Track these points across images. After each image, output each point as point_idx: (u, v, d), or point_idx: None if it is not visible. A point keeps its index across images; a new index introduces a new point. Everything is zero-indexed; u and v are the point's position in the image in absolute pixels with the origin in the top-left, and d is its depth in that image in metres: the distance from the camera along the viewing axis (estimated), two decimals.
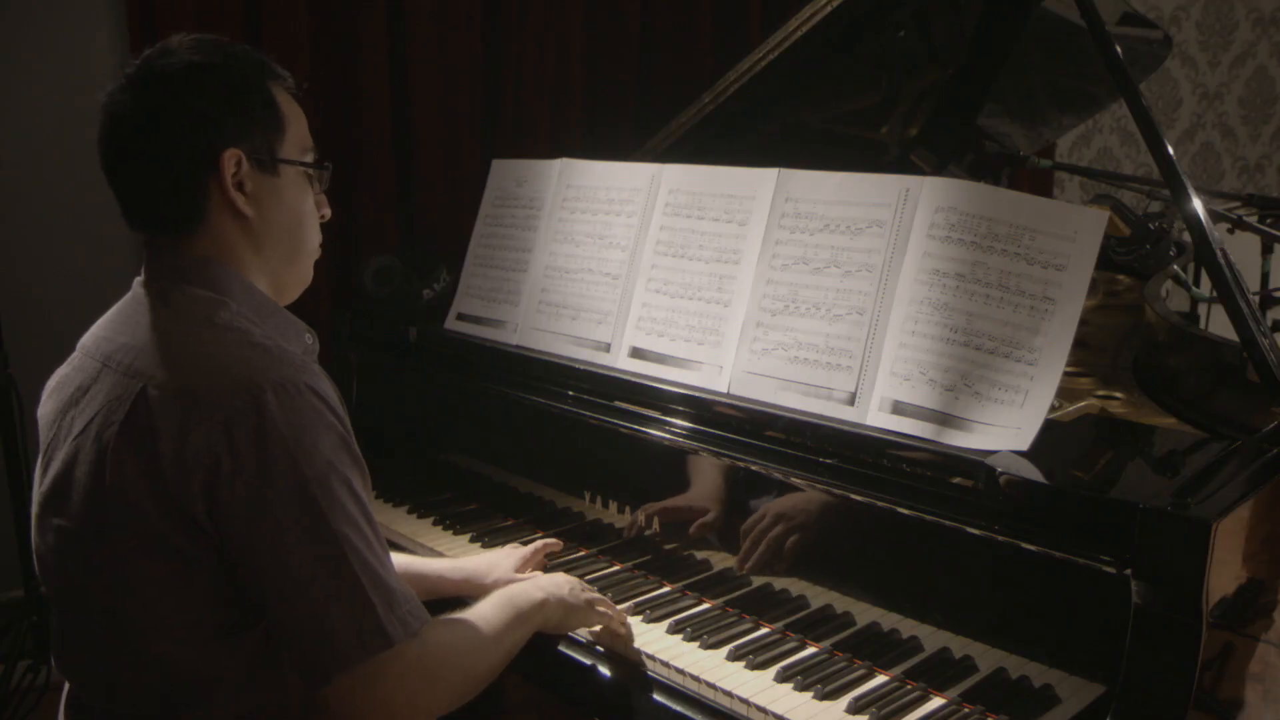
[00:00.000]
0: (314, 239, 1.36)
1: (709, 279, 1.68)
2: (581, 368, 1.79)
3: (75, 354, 1.30)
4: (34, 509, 1.26)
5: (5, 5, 2.40)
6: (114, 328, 1.26)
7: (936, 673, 1.35)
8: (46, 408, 1.29)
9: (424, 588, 1.57)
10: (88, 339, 1.30)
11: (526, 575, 1.61)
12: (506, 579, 1.59)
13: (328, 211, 1.38)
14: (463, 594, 1.59)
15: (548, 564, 1.69)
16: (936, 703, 1.32)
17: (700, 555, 1.62)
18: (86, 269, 2.55)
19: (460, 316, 2.07)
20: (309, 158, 1.33)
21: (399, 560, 1.59)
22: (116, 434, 1.14)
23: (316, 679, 1.14)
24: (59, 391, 1.28)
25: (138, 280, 1.29)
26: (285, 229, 1.31)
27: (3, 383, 2.26)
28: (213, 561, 1.14)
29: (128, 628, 1.17)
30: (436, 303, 2.19)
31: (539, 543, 1.69)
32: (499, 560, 1.64)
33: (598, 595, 1.51)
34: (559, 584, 1.46)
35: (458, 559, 1.69)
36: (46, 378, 1.35)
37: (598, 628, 1.48)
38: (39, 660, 2.36)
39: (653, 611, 1.54)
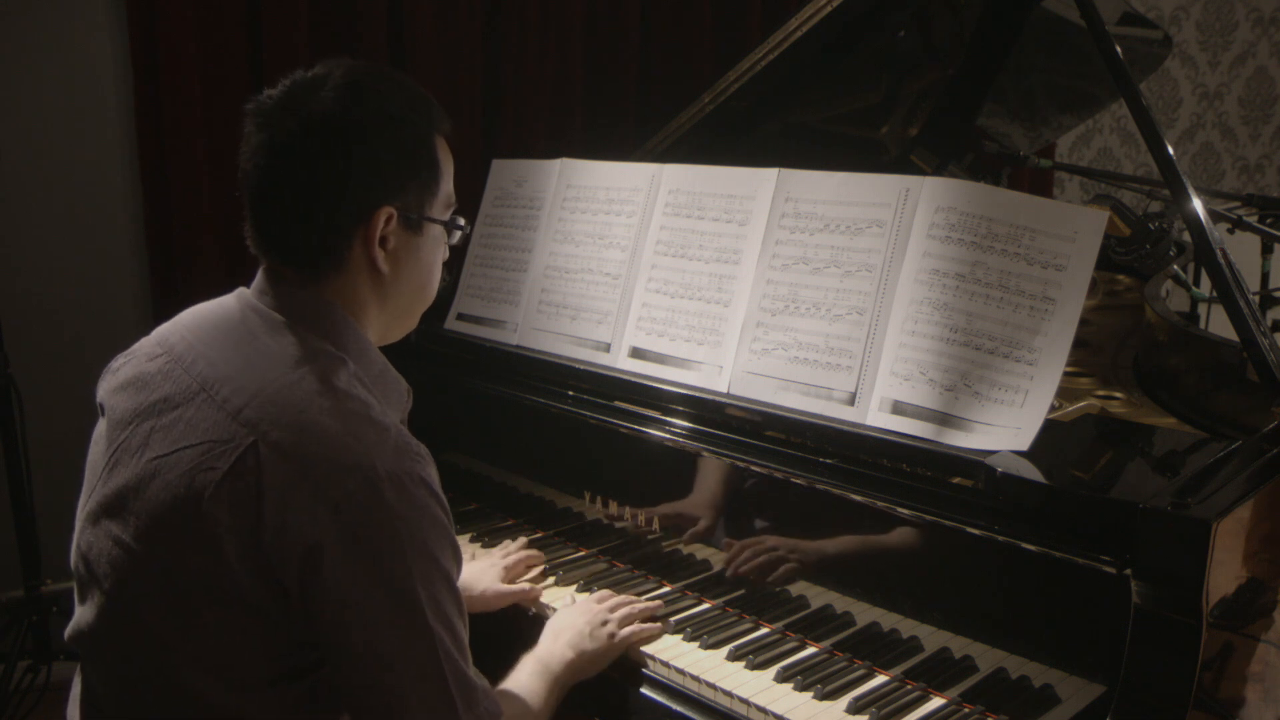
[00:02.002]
0: (434, 292, 1.33)
1: (709, 279, 1.68)
2: (581, 368, 1.79)
3: (156, 348, 1.22)
4: (89, 503, 1.20)
5: (5, 5, 2.40)
6: (215, 348, 1.18)
7: (936, 673, 1.35)
8: (119, 402, 1.21)
9: None
10: (176, 340, 1.22)
11: (516, 588, 1.62)
12: (494, 590, 1.61)
13: (447, 255, 1.34)
14: None
15: (547, 567, 1.70)
16: (936, 703, 1.33)
17: (700, 555, 1.62)
18: (86, 269, 2.55)
19: (460, 316, 2.07)
20: (450, 214, 1.29)
21: None
22: (216, 483, 1.08)
23: None
24: (136, 390, 1.20)
25: (247, 300, 1.22)
26: (414, 286, 1.28)
27: (3, 383, 2.26)
28: (286, 622, 1.11)
29: (169, 654, 1.13)
30: (436, 303, 2.18)
31: (521, 553, 1.70)
32: (484, 568, 1.65)
33: (615, 615, 1.49)
34: (581, 635, 1.44)
35: None
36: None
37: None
38: (39, 660, 2.36)
39: None
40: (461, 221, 1.31)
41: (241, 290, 1.24)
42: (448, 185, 1.27)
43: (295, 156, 1.16)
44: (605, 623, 1.47)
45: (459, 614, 1.16)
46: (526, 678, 1.35)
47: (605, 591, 1.59)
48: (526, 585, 1.65)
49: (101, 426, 1.25)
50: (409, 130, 1.21)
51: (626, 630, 1.47)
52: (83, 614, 1.23)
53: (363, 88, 1.18)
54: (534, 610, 1.62)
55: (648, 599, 1.59)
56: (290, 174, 1.16)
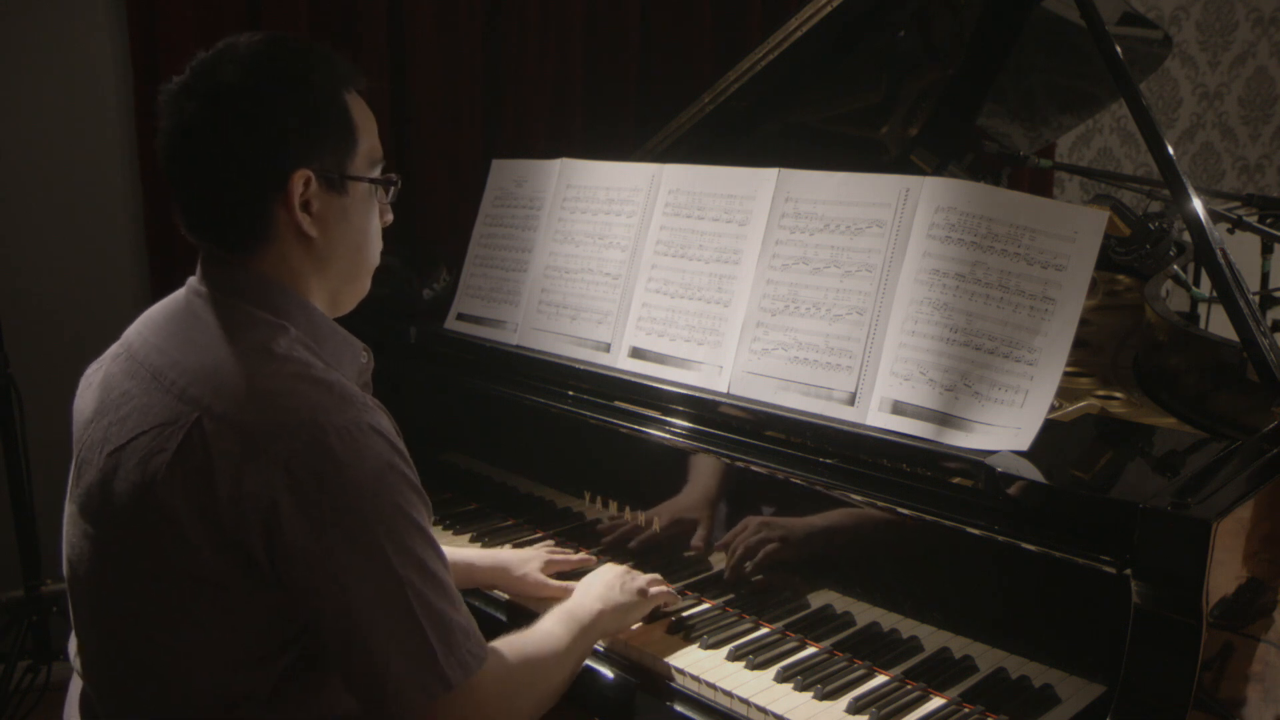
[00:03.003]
0: (376, 254, 1.31)
1: (709, 279, 1.68)
2: (581, 368, 1.79)
3: (120, 350, 1.25)
4: (69, 504, 1.23)
5: (5, 5, 2.40)
6: (166, 338, 1.20)
7: (936, 673, 1.35)
8: (86, 402, 1.24)
9: (455, 576, 1.59)
10: (135, 338, 1.24)
11: (556, 583, 1.61)
12: (535, 578, 1.61)
13: (390, 217, 1.32)
14: (493, 583, 1.63)
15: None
16: (936, 703, 1.33)
17: (700, 555, 1.62)
18: (86, 269, 2.55)
19: (460, 316, 2.07)
20: (378, 170, 1.27)
21: None
22: (168, 464, 1.09)
23: (380, 716, 1.13)
24: (100, 390, 1.22)
25: (192, 287, 1.23)
26: (349, 248, 1.26)
27: (3, 383, 2.26)
28: (262, 594, 1.11)
29: (155, 645, 1.14)
30: (436, 303, 2.20)
31: (572, 557, 1.70)
32: (531, 556, 1.66)
33: (644, 578, 1.53)
34: (610, 586, 1.47)
35: (488, 549, 1.70)
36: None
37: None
38: (39, 660, 2.36)
39: (653, 612, 1.54)
40: (394, 177, 1.29)
41: (190, 280, 1.25)
42: (369, 142, 1.25)
43: (200, 134, 1.16)
44: (634, 579, 1.50)
45: (434, 555, 1.15)
46: (549, 623, 1.35)
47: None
48: (569, 584, 1.62)
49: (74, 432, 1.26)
50: (312, 91, 1.19)
51: (656, 589, 1.50)
52: (76, 621, 1.25)
53: (258, 54, 1.18)
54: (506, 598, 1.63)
55: None
56: (199, 153, 1.17)
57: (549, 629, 1.34)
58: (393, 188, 1.30)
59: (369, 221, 1.28)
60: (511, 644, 1.26)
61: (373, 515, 1.09)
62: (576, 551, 1.75)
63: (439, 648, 1.12)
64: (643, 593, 1.48)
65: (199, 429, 1.09)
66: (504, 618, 1.59)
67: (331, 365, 1.20)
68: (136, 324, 1.27)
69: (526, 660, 1.26)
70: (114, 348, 1.27)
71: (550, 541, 1.79)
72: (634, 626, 1.50)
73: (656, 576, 1.56)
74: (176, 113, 1.17)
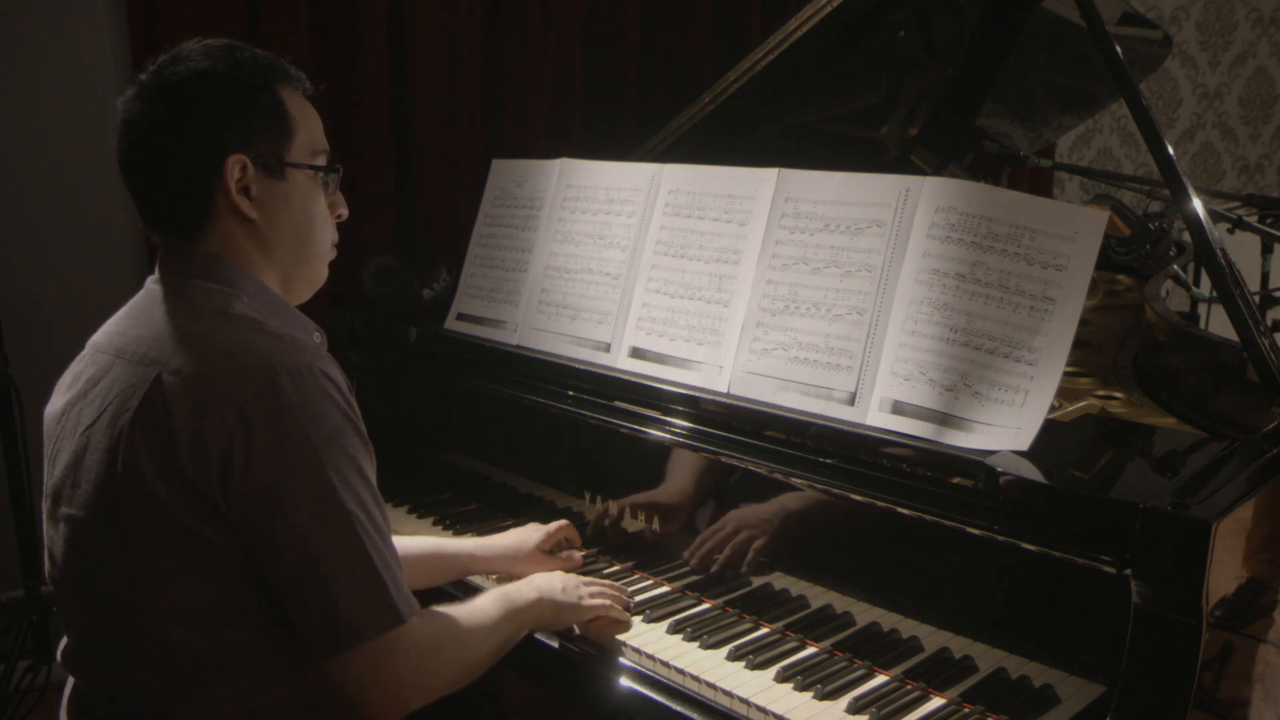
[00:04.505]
0: (324, 241, 1.37)
1: (709, 279, 1.68)
2: (581, 368, 1.79)
3: (85, 351, 1.31)
4: (44, 503, 1.28)
5: (5, 5, 2.40)
6: (127, 323, 1.28)
7: (936, 673, 1.35)
8: (55, 404, 1.30)
9: (455, 568, 1.64)
10: (99, 337, 1.31)
11: (555, 557, 1.67)
12: (537, 559, 1.65)
13: (344, 211, 1.39)
14: (495, 570, 1.66)
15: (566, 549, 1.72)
16: (936, 703, 1.33)
17: (700, 555, 1.62)
18: (86, 269, 2.55)
19: (460, 316, 2.07)
20: (321, 160, 1.34)
21: (427, 542, 1.66)
22: (130, 421, 1.15)
23: (326, 650, 1.18)
24: (66, 387, 1.29)
25: (150, 279, 1.31)
26: (293, 231, 1.32)
27: (3, 383, 2.26)
28: (227, 544, 1.16)
29: (136, 612, 1.18)
30: (436, 303, 2.20)
31: (560, 522, 1.72)
32: (527, 537, 1.68)
33: (594, 588, 1.54)
34: (552, 582, 1.50)
35: (485, 538, 1.73)
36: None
37: (591, 619, 1.51)
38: (39, 660, 2.36)
39: (653, 611, 1.54)
40: (336, 166, 1.37)
41: (147, 278, 1.33)
42: (309, 135, 1.32)
43: (143, 126, 1.25)
44: (581, 585, 1.53)
45: (375, 501, 1.22)
46: (485, 600, 1.40)
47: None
48: (571, 554, 1.69)
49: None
50: (243, 82, 1.27)
51: (598, 601, 1.52)
52: (61, 613, 1.29)
53: (196, 53, 1.27)
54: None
55: (647, 599, 1.59)
56: (141, 144, 1.25)
57: (483, 605, 1.38)
58: (335, 176, 1.36)
59: (313, 207, 1.34)
60: (445, 609, 1.32)
61: (322, 453, 1.16)
62: (575, 551, 1.75)
63: (388, 581, 1.19)
64: (582, 599, 1.50)
65: (158, 385, 1.16)
66: None
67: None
68: (100, 329, 1.34)
69: (455, 625, 1.32)
70: (80, 354, 1.33)
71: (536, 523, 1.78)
72: (628, 635, 1.50)
73: (608, 590, 1.55)
74: (125, 112, 1.26)
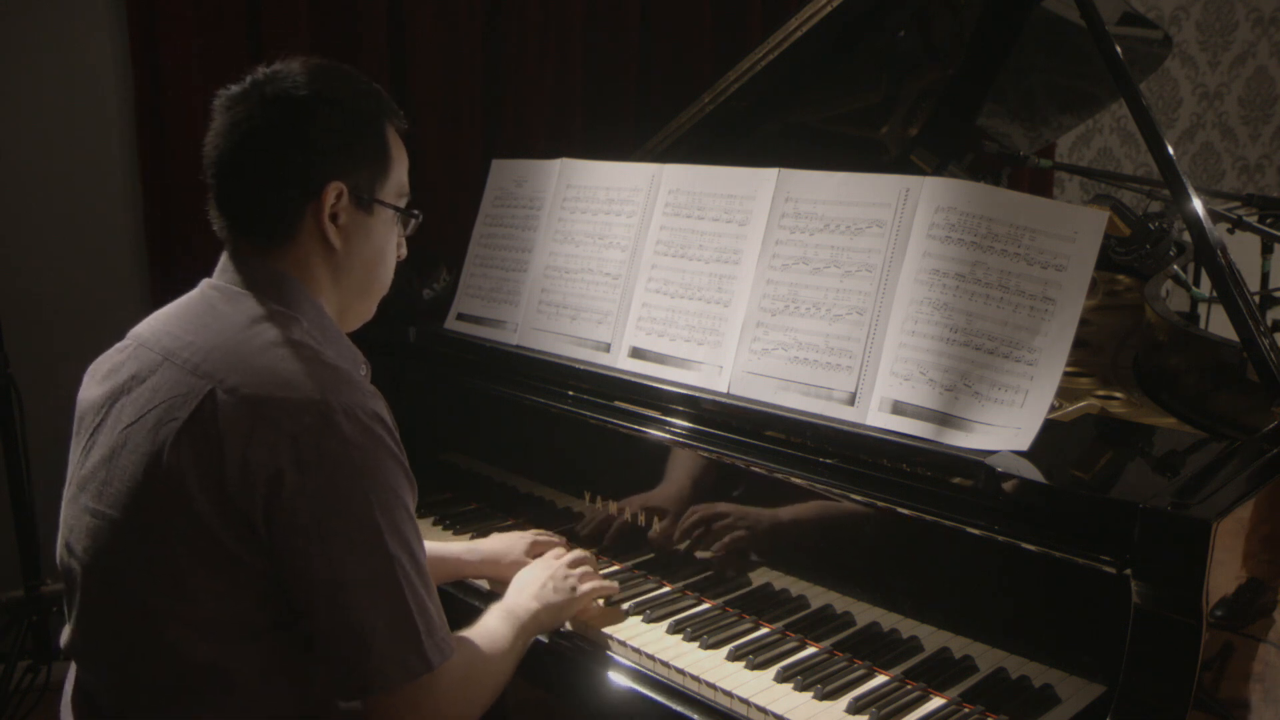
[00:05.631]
0: (388, 279, 1.39)
1: (709, 279, 1.68)
2: (581, 368, 1.79)
3: (128, 342, 1.30)
4: (68, 490, 1.27)
5: (5, 5, 2.40)
6: (178, 324, 1.26)
7: (936, 673, 1.35)
8: (93, 392, 1.28)
9: (443, 570, 1.64)
10: (144, 330, 1.30)
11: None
12: (522, 563, 1.65)
13: (404, 252, 1.41)
14: (482, 575, 1.67)
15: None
16: (936, 703, 1.33)
17: (700, 555, 1.62)
18: (86, 269, 2.55)
19: (460, 316, 2.07)
20: (403, 202, 1.37)
21: None
22: (178, 431, 1.15)
23: (352, 690, 1.18)
24: (110, 378, 1.27)
25: (208, 284, 1.30)
26: (365, 265, 1.34)
27: (3, 383, 2.26)
28: (259, 565, 1.16)
29: (154, 615, 1.18)
30: (436, 303, 2.20)
31: (552, 536, 1.73)
32: (514, 543, 1.69)
33: (577, 571, 1.56)
34: (544, 585, 1.51)
35: (473, 541, 1.74)
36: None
37: (589, 606, 1.54)
38: (39, 660, 2.36)
39: (653, 611, 1.54)
40: (416, 213, 1.40)
41: (204, 280, 1.32)
42: (399, 175, 1.35)
43: (252, 133, 1.25)
44: (567, 577, 1.54)
45: (419, 544, 1.22)
46: (494, 622, 1.40)
47: (560, 549, 1.66)
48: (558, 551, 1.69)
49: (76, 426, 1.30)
50: (358, 113, 1.29)
51: (587, 585, 1.54)
52: (73, 602, 1.27)
53: (315, 74, 1.28)
54: (489, 589, 1.66)
55: (648, 599, 1.59)
56: (247, 149, 1.25)
57: (495, 628, 1.39)
58: (413, 221, 1.39)
59: (388, 246, 1.36)
60: (465, 640, 1.32)
61: (370, 493, 1.16)
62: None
63: (422, 628, 1.18)
64: (574, 590, 1.52)
65: (211, 400, 1.15)
66: (482, 607, 1.58)
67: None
68: (145, 322, 1.32)
69: (481, 657, 1.33)
70: (121, 343, 1.32)
71: (534, 528, 1.79)
72: (628, 635, 1.50)
73: (588, 569, 1.59)
74: (233, 112, 1.26)
